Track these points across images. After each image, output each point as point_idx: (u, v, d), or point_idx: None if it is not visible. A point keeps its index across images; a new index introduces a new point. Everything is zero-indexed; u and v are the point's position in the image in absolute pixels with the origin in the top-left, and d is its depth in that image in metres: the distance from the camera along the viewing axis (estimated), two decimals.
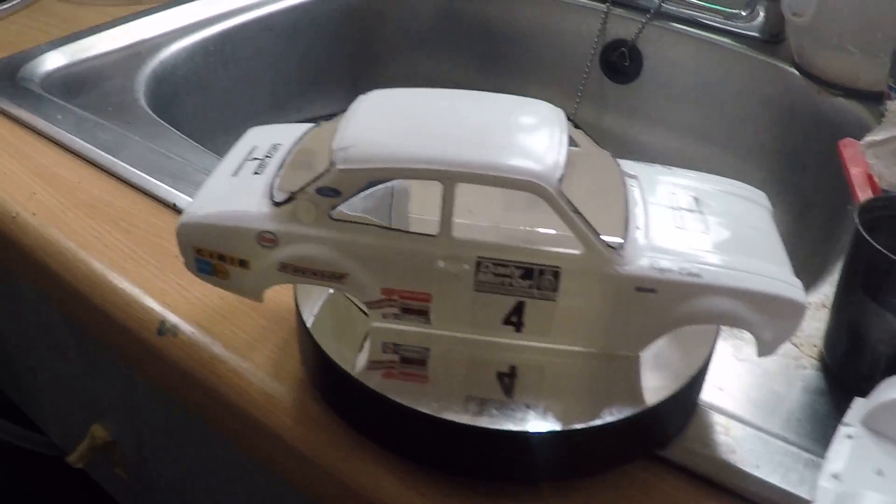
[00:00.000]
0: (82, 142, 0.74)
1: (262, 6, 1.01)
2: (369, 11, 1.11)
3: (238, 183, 0.48)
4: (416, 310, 0.47)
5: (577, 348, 0.47)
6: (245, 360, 0.55)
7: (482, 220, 0.50)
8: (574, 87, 1.08)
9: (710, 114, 1.01)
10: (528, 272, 0.44)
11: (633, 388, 0.45)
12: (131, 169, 0.71)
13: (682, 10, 1.02)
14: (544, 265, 0.44)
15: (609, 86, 1.07)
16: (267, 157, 0.50)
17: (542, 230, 0.49)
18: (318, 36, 1.07)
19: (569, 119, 0.48)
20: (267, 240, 0.45)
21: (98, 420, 0.75)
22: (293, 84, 1.05)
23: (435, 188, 0.44)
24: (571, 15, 1.07)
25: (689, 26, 1.02)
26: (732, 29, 1.01)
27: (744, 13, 1.00)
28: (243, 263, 0.46)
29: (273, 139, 0.52)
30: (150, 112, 0.81)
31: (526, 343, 0.47)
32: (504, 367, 0.47)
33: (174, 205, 0.67)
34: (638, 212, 0.47)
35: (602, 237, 0.43)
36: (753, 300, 0.43)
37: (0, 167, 0.74)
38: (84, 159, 0.74)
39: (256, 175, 0.48)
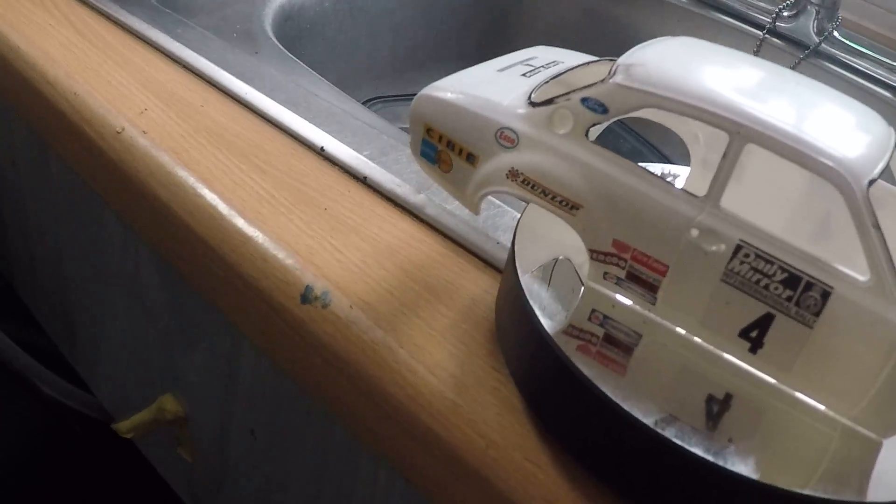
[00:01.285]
0: (207, 62, 0.60)
1: None
2: None
3: (501, 77, 0.40)
4: (644, 281, 0.36)
5: (813, 402, 0.34)
6: (420, 352, 0.40)
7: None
8: None
9: None
10: (793, 280, 0.32)
11: (860, 476, 0.32)
12: (268, 100, 0.56)
13: (840, 53, 0.90)
14: (816, 279, 0.32)
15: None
16: (542, 67, 0.41)
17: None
18: (451, 7, 0.93)
19: None
20: (507, 138, 0.38)
21: (170, 390, 0.60)
22: (416, 53, 0.91)
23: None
24: (723, 37, 0.94)
25: (845, 70, 0.89)
26: (891, 82, 0.87)
27: None
28: (471, 158, 0.39)
29: (556, 57, 0.43)
30: (281, 47, 0.66)
31: (756, 372, 0.35)
32: (719, 392, 0.35)
33: (322, 148, 0.53)
34: None
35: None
36: None
37: (106, 76, 0.59)
38: (209, 82, 0.59)
39: (523, 77, 0.40)
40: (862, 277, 0.31)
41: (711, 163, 0.41)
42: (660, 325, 0.37)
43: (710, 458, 0.31)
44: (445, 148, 0.40)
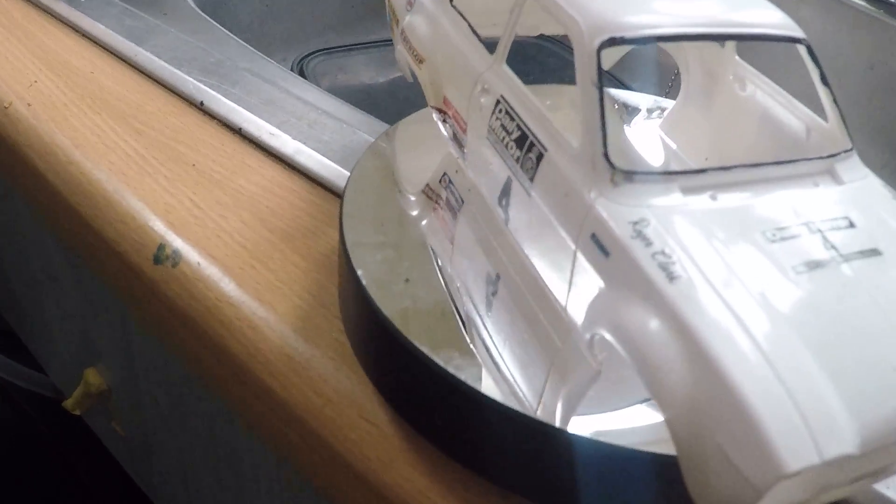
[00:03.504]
0: (103, 27, 0.56)
1: None
2: None
3: None
4: (458, 140, 0.34)
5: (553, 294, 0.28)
6: (264, 306, 0.36)
7: None
8: None
9: (833, 84, 0.79)
10: (522, 139, 0.29)
11: (569, 403, 0.26)
12: (156, 60, 0.52)
13: None
14: (537, 138, 0.28)
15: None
16: None
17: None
18: None
19: (811, 56, 0.30)
20: (410, 3, 0.39)
21: (93, 364, 0.57)
22: (367, 2, 0.85)
23: None
24: None
25: None
26: None
27: None
28: (397, 24, 0.40)
29: None
30: (193, 5, 0.62)
31: (512, 245, 0.30)
32: (493, 272, 0.31)
33: (201, 103, 0.48)
34: (737, 192, 0.25)
35: (610, 150, 0.25)
36: (715, 390, 0.20)
37: (4, 53, 0.56)
38: (102, 47, 0.55)
39: None
40: (574, 143, 0.26)
41: (693, 95, 0.37)
42: (474, 190, 0.33)
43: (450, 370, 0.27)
44: (393, 16, 0.41)
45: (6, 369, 0.73)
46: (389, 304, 0.30)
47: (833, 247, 0.23)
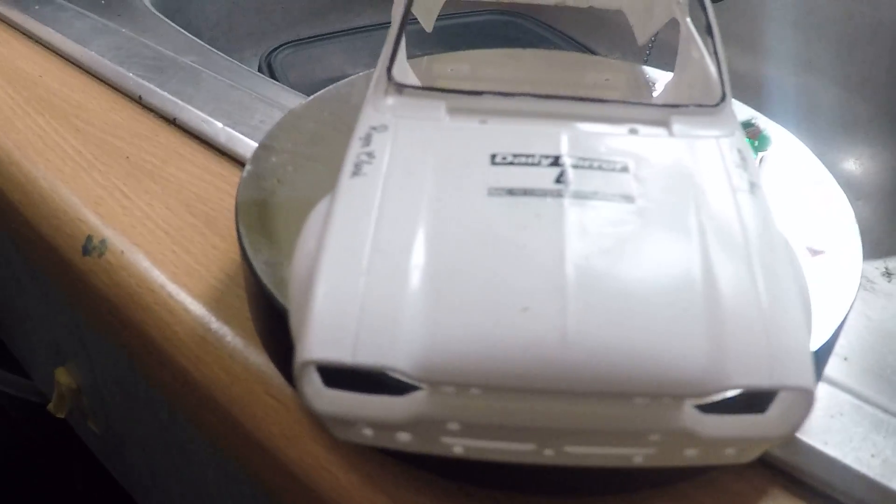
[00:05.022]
0: (52, 31, 0.57)
1: None
2: None
3: None
4: None
5: None
6: (181, 289, 0.36)
7: None
8: None
9: (813, 38, 0.78)
10: None
11: None
12: (100, 59, 0.53)
13: None
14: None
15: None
16: None
17: None
18: None
19: (702, 5, 0.30)
20: None
21: (63, 364, 0.58)
22: None
23: None
24: None
25: None
26: None
27: None
28: None
29: None
30: (150, 6, 0.62)
31: None
32: None
33: (140, 97, 0.49)
34: (514, 119, 0.25)
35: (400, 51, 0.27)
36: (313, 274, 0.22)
37: None
38: (51, 50, 0.56)
39: None
40: None
41: (678, 62, 0.36)
42: None
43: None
44: None
45: None
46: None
47: (564, 182, 0.22)
